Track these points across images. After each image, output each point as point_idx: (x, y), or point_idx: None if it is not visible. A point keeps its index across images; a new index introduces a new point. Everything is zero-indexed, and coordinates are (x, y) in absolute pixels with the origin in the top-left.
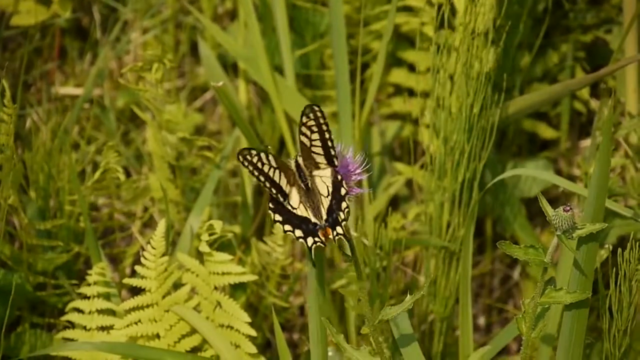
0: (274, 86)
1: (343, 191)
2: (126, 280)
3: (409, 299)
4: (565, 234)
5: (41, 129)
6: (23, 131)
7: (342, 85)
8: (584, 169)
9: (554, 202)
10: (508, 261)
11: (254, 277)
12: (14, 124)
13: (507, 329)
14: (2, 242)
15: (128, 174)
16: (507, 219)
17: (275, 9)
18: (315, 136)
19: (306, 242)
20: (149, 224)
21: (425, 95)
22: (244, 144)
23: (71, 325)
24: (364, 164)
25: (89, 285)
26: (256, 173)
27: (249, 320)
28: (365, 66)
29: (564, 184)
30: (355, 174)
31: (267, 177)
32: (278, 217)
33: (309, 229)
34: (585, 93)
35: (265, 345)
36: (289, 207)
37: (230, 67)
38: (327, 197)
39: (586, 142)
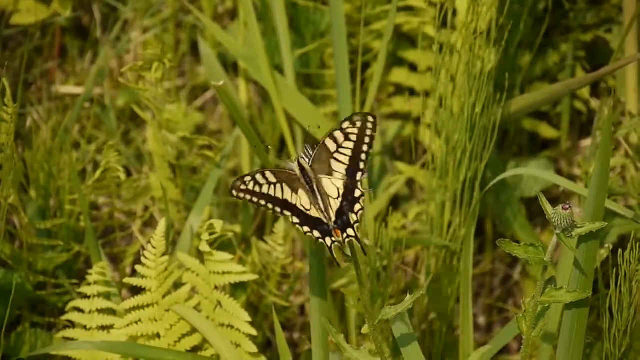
0: (274, 85)
1: (358, 193)
2: (126, 280)
3: (409, 298)
4: (564, 232)
5: (41, 128)
6: (23, 130)
7: (342, 84)
8: (584, 169)
9: (555, 202)
10: (508, 261)
11: (254, 277)
12: (15, 123)
13: (507, 328)
14: (2, 241)
15: (128, 173)
16: (508, 218)
17: (275, 8)
18: (348, 145)
19: (325, 242)
20: (149, 223)
21: (426, 94)
22: (245, 143)
23: (71, 324)
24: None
25: (89, 284)
26: (255, 200)
27: (250, 319)
28: (365, 66)
29: (564, 183)
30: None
31: (268, 198)
32: (296, 220)
33: (325, 229)
34: (585, 92)
35: (266, 345)
36: (302, 209)
37: (231, 67)
38: (336, 199)
39: (587, 142)
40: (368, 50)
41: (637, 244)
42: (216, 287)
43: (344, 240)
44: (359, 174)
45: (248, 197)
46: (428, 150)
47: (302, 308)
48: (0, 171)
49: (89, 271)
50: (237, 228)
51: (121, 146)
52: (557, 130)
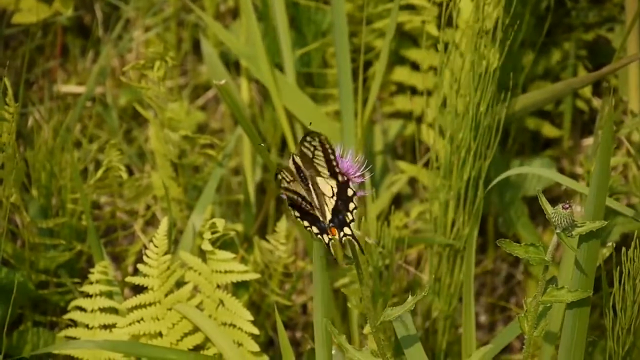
0: (274, 83)
1: (350, 192)
2: (129, 279)
3: (411, 299)
4: (564, 231)
5: (43, 127)
6: (25, 129)
7: (344, 83)
8: (586, 168)
9: (557, 201)
10: (511, 260)
11: (256, 276)
12: (16, 122)
13: (509, 327)
14: (4, 240)
15: (130, 172)
16: (511, 217)
17: (275, 7)
18: (319, 154)
19: (323, 239)
20: (151, 222)
21: (428, 93)
22: (247, 142)
23: (73, 323)
24: (364, 166)
25: (91, 283)
26: (290, 195)
27: (252, 318)
28: (367, 64)
29: (566, 182)
30: (355, 177)
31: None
32: (297, 213)
33: (322, 226)
34: (587, 91)
35: (268, 344)
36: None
37: (233, 65)
38: (331, 197)
39: (589, 141)
40: (370, 49)
41: None
42: (218, 286)
43: (341, 238)
44: (340, 177)
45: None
46: (431, 149)
47: (304, 307)
48: (2, 170)
49: (91, 270)
50: (239, 227)
51: (123, 145)
52: (559, 129)
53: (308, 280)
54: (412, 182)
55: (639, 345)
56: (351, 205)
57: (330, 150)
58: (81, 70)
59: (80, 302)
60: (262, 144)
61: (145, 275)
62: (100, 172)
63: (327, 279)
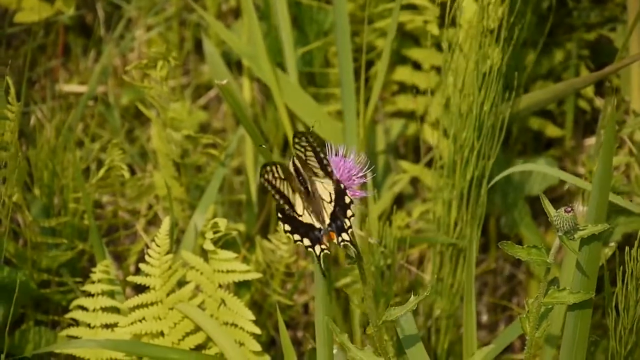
0: (276, 83)
1: (347, 199)
2: (130, 278)
3: (413, 299)
4: (567, 234)
5: (45, 126)
6: (27, 129)
7: (346, 83)
8: (588, 167)
9: (558, 201)
10: (513, 259)
11: (258, 275)
12: (18, 122)
13: (511, 327)
14: (6, 239)
15: (132, 172)
16: (513, 218)
17: (277, 7)
18: (310, 153)
19: (314, 251)
20: (153, 221)
21: (431, 93)
22: (249, 141)
23: (75, 322)
24: (366, 167)
25: (93, 282)
26: (273, 192)
27: (253, 318)
28: (369, 64)
29: (569, 178)
30: (357, 177)
31: (280, 193)
32: (287, 227)
33: (316, 236)
34: (589, 91)
35: (270, 343)
36: (295, 215)
37: (235, 65)
38: (329, 202)
39: (591, 140)
40: (372, 48)
41: None
42: (220, 286)
43: (339, 243)
44: (333, 175)
45: (269, 187)
46: (435, 149)
47: (306, 306)
48: (4, 169)
49: (93, 269)
50: (241, 226)
51: (125, 144)
52: (561, 129)
53: (310, 279)
54: (414, 181)
55: None
56: (349, 212)
57: (318, 149)
58: (83, 69)
59: (82, 301)
60: (264, 145)
61: (147, 275)
62: (102, 172)
63: (328, 279)
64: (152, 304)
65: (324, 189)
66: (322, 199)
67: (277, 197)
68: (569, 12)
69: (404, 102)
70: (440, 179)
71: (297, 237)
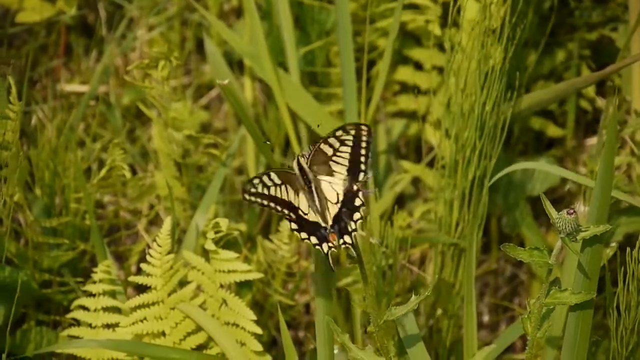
0: (278, 83)
1: (358, 202)
2: (132, 278)
3: (414, 299)
4: (569, 236)
5: (47, 126)
6: (28, 128)
7: (348, 82)
8: (590, 167)
9: (559, 202)
10: (514, 260)
11: (259, 275)
12: (20, 121)
13: (512, 327)
14: (8, 239)
15: (134, 172)
16: (514, 218)
17: (279, 6)
18: (345, 149)
19: (322, 249)
20: (154, 221)
21: (432, 93)
22: (250, 141)
23: (76, 322)
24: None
25: (94, 282)
26: (265, 202)
27: (255, 318)
28: (371, 64)
29: (571, 176)
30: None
31: (276, 200)
32: (295, 226)
33: (322, 234)
34: (591, 91)
35: (271, 343)
36: (301, 213)
37: (236, 65)
38: (335, 203)
39: (592, 140)
40: (373, 48)
41: None
42: (221, 286)
43: (340, 246)
44: (361, 175)
45: (259, 200)
46: (436, 149)
47: (307, 307)
48: (5, 169)
49: (94, 269)
50: (243, 226)
51: (126, 144)
52: (562, 129)
53: (311, 279)
54: (416, 181)
55: None
56: (356, 216)
57: (365, 142)
58: (85, 69)
59: (83, 301)
60: (267, 142)
61: (148, 275)
62: (103, 172)
63: (329, 277)
64: (153, 304)
65: (331, 189)
66: (327, 199)
67: (272, 206)
68: (571, 12)
69: (406, 102)
70: (442, 178)
71: (304, 235)
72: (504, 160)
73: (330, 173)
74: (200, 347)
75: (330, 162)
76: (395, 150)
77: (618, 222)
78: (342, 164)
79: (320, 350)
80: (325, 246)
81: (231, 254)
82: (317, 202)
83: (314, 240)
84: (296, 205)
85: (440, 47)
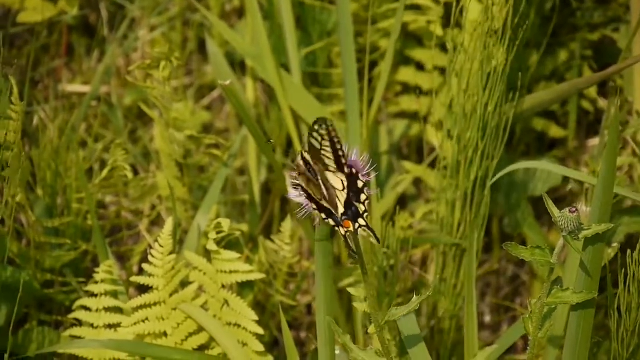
0: (280, 83)
1: (360, 184)
2: (134, 279)
3: (416, 299)
4: (571, 234)
5: (48, 126)
6: (30, 129)
7: (349, 83)
8: (591, 168)
9: (561, 202)
10: (516, 260)
11: (261, 276)
12: (22, 122)
13: (514, 327)
14: (10, 239)
15: (135, 172)
16: (516, 218)
17: (281, 7)
18: (326, 143)
19: (340, 231)
20: (156, 222)
21: (434, 93)
22: (252, 142)
23: (78, 323)
24: (369, 166)
25: (96, 283)
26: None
27: (257, 318)
28: (373, 64)
29: (573, 175)
30: (362, 175)
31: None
32: (314, 206)
33: (336, 219)
34: (592, 92)
35: (273, 344)
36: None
37: (238, 65)
38: (342, 190)
39: (594, 141)
40: (375, 49)
41: None
42: (223, 286)
43: (355, 230)
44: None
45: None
46: (438, 150)
47: (309, 307)
48: (7, 169)
49: (96, 270)
50: (245, 227)
51: (128, 145)
52: (564, 130)
53: (313, 280)
54: (417, 182)
55: None
56: (362, 197)
57: (337, 140)
58: (86, 69)
59: (85, 301)
60: (270, 142)
61: (150, 275)
62: (105, 172)
63: (330, 277)
64: (155, 304)
65: (336, 178)
66: (335, 188)
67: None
68: (573, 13)
69: (407, 102)
70: (444, 179)
71: (324, 215)
72: (506, 161)
73: (327, 167)
74: (201, 348)
75: (321, 156)
76: (397, 151)
77: (620, 223)
78: (329, 158)
79: (321, 351)
80: (342, 229)
81: (233, 255)
82: (325, 193)
83: (332, 222)
84: (310, 193)
85: (442, 48)
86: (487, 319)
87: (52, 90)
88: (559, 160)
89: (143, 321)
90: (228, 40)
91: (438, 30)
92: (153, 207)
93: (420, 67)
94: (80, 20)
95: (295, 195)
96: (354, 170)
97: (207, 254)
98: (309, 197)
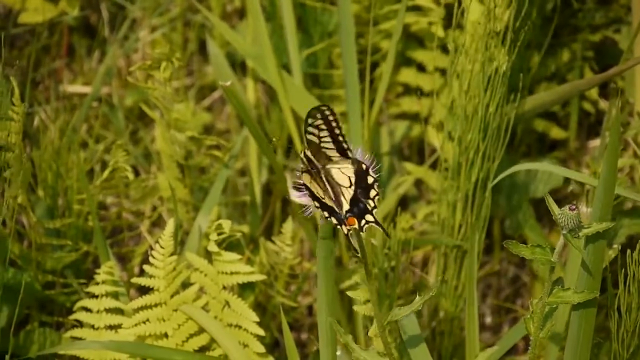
0: (281, 84)
1: (370, 179)
2: (134, 280)
3: (417, 300)
4: (571, 233)
5: (49, 127)
6: (31, 129)
7: (351, 84)
8: (592, 169)
9: (562, 203)
10: (517, 261)
11: (262, 277)
12: (22, 123)
13: (515, 328)
14: (11, 241)
15: (137, 173)
16: (517, 220)
17: (283, 8)
18: (325, 133)
19: (342, 229)
20: (157, 223)
21: (435, 94)
22: (253, 143)
23: (79, 324)
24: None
25: (97, 284)
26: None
27: (257, 319)
28: (374, 65)
29: (574, 176)
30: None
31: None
32: (317, 204)
33: (339, 217)
34: (594, 93)
35: (274, 345)
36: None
37: (239, 66)
38: (349, 187)
39: (595, 142)
40: (376, 50)
41: None
42: (224, 287)
43: (362, 227)
44: (349, 152)
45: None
46: (439, 151)
47: (310, 308)
48: (8, 171)
49: (97, 271)
50: (245, 228)
51: (129, 146)
52: (565, 131)
53: (314, 281)
54: (419, 183)
55: None
56: (372, 192)
57: (334, 123)
58: (87, 70)
59: (86, 302)
60: (271, 142)
61: (151, 276)
62: (106, 173)
63: (331, 278)
64: (156, 305)
65: (342, 174)
66: (340, 185)
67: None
68: (574, 14)
69: (409, 104)
70: (445, 180)
71: (326, 214)
72: (507, 162)
73: (329, 159)
74: (202, 349)
75: (323, 150)
76: (398, 152)
77: (620, 224)
78: (331, 148)
79: (322, 352)
80: (344, 227)
81: (234, 256)
82: (329, 190)
83: (334, 220)
84: (312, 190)
85: (444, 49)
86: (488, 320)
87: (53, 91)
88: (560, 162)
89: (144, 322)
90: (229, 41)
91: (439, 31)
92: (154, 208)
93: (421, 68)
94: (81, 21)
95: (297, 196)
96: (363, 166)
97: (208, 255)
98: (312, 195)
